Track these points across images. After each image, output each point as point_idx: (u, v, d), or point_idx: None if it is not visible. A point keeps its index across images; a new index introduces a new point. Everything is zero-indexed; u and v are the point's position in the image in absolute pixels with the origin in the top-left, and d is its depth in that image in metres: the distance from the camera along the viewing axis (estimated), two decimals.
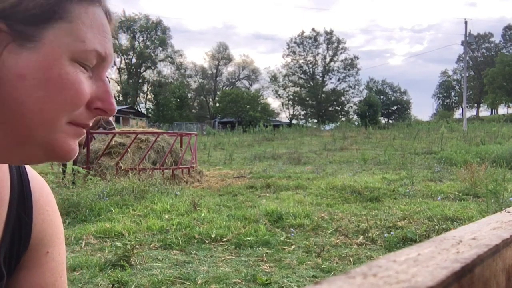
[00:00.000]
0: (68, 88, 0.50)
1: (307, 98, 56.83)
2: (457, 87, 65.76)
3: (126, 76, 57.53)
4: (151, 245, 3.57)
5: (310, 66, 57.80)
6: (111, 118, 8.39)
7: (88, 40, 0.52)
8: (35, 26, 0.49)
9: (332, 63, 57.84)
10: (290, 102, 58.13)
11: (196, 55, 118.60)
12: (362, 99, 50.63)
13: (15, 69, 0.48)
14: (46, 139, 0.51)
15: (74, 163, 7.21)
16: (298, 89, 58.03)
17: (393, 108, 58.39)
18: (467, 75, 35.07)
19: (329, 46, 57.63)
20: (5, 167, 0.62)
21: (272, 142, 18.84)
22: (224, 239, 3.69)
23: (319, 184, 6.44)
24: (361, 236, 3.76)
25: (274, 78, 58.37)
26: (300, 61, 57.84)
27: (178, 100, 53.02)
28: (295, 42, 58.07)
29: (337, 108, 58.03)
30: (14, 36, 0.48)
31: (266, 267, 3.06)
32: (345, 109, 58.03)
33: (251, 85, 59.42)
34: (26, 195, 0.64)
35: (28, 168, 0.67)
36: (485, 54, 64.55)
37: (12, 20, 0.47)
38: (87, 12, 0.52)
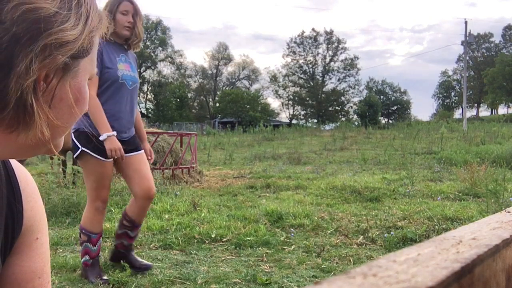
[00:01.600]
0: (85, 103, 0.63)
1: (307, 98, 56.84)
2: (457, 87, 65.73)
3: None
4: (151, 245, 3.57)
5: (310, 66, 57.83)
6: None
7: (95, 62, 0.64)
8: (81, 59, 0.59)
9: (332, 63, 57.86)
10: (290, 102, 58.14)
11: (196, 55, 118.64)
12: (362, 99, 50.64)
13: (60, 94, 0.58)
14: (55, 142, 0.62)
15: (74, 163, 7.20)
16: (298, 89, 58.03)
17: (393, 108, 58.40)
18: (467, 75, 35.06)
19: (329, 46, 57.65)
20: None
21: (272, 142, 18.84)
22: (224, 239, 3.69)
23: (319, 184, 6.44)
24: (361, 236, 3.76)
25: (274, 78, 58.37)
26: (300, 61, 57.88)
27: (178, 100, 53.02)
28: (295, 42, 58.09)
29: (337, 108, 58.01)
30: (66, 69, 0.57)
31: (266, 267, 3.06)
32: (345, 109, 58.04)
33: (251, 85, 59.42)
34: (14, 184, 0.68)
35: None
36: (485, 54, 64.53)
37: (71, 57, 0.57)
38: (97, 40, 0.63)
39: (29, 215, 0.70)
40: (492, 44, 64.87)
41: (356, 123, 40.60)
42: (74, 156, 2.77)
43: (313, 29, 60.20)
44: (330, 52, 57.77)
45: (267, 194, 6.02)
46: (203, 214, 4.49)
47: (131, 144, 2.87)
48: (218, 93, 57.85)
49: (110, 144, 2.60)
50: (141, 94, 58.45)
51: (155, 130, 9.80)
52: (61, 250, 3.49)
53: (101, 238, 2.86)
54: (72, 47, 0.56)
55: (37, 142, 0.58)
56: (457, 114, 61.17)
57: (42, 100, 0.55)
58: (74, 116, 0.62)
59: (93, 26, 0.59)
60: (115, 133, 2.64)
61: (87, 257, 2.79)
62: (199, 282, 2.76)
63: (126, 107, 2.79)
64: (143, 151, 2.93)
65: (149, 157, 3.05)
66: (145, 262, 2.98)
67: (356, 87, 57.98)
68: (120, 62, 2.72)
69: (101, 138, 2.61)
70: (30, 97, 0.53)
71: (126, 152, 2.79)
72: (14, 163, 0.71)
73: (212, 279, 2.79)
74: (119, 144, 2.63)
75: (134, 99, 2.87)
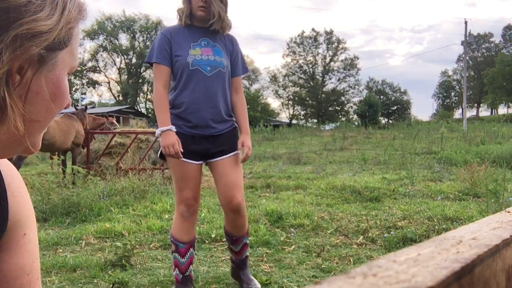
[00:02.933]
0: (65, 98, 0.61)
1: (307, 98, 56.83)
2: (457, 87, 65.73)
3: (126, 76, 57.50)
4: (151, 245, 3.57)
5: (310, 66, 57.78)
6: (115, 120, 8.39)
7: (76, 56, 0.62)
8: (58, 51, 0.57)
9: (332, 63, 57.81)
10: (290, 102, 58.12)
11: None
12: (362, 99, 50.64)
13: (36, 87, 0.56)
14: (32, 140, 0.59)
15: (74, 163, 7.20)
16: (298, 89, 58.00)
17: (393, 108, 58.35)
18: (467, 75, 35.06)
19: (329, 46, 57.60)
20: None
21: (272, 142, 18.83)
22: (224, 239, 3.69)
23: (319, 184, 6.44)
24: (361, 236, 3.76)
25: (274, 78, 58.34)
26: (300, 61, 57.83)
27: None
28: (295, 42, 58.04)
29: (337, 108, 57.99)
30: (41, 62, 0.56)
31: (266, 267, 3.06)
32: (345, 109, 58.00)
33: (251, 85, 59.34)
34: None
35: None
36: (485, 54, 64.52)
37: (46, 48, 0.55)
38: (78, 32, 0.61)
39: (15, 211, 0.68)
40: (492, 44, 64.86)
41: (356, 123, 40.59)
42: (158, 155, 2.54)
43: (313, 29, 60.18)
44: (330, 52, 57.75)
45: (267, 194, 6.02)
46: (203, 214, 4.49)
47: (221, 143, 2.47)
48: None
49: (163, 140, 2.31)
50: (141, 94, 58.47)
51: (155, 130, 9.79)
52: (61, 250, 3.49)
53: (191, 248, 2.50)
54: (46, 38, 0.54)
55: (12, 139, 0.56)
56: (457, 114, 61.25)
57: (15, 93, 0.54)
58: (51, 112, 0.59)
59: (71, 17, 0.57)
60: (171, 127, 2.33)
61: (176, 270, 2.49)
62: (199, 282, 2.75)
63: (206, 97, 2.41)
64: (234, 153, 2.50)
65: (244, 154, 2.53)
66: (256, 284, 2.64)
67: (356, 87, 57.96)
68: (195, 47, 2.42)
69: (156, 134, 2.37)
70: (2, 89, 0.52)
71: (213, 155, 2.46)
72: None
73: (212, 279, 2.79)
74: (173, 140, 2.30)
75: (217, 86, 2.45)
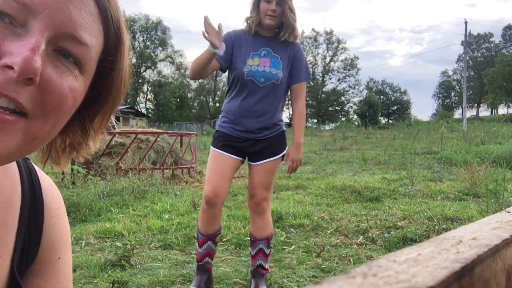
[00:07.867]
0: None
1: (307, 98, 56.81)
2: (457, 87, 65.80)
3: None
4: (151, 245, 3.57)
5: (310, 66, 57.79)
6: (113, 118, 8.37)
7: None
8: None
9: (332, 63, 57.90)
10: (290, 102, 58.15)
11: (196, 55, 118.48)
12: (362, 99, 50.68)
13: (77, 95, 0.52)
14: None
15: (73, 163, 7.20)
16: None
17: (393, 108, 58.39)
18: (467, 75, 35.06)
19: (329, 46, 57.71)
20: (15, 169, 0.60)
21: None
22: (224, 239, 3.69)
23: (319, 184, 6.44)
24: (361, 236, 3.76)
25: None
26: None
27: (178, 100, 53.07)
28: None
29: (337, 108, 58.08)
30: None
31: None
32: (345, 109, 58.11)
33: None
34: (38, 198, 0.62)
35: (37, 169, 0.65)
36: (485, 54, 64.56)
37: None
38: None
39: (50, 233, 0.63)
40: (492, 44, 64.93)
41: (356, 123, 40.62)
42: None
43: (313, 29, 60.27)
44: (330, 52, 57.84)
45: None
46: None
47: (263, 146, 2.50)
48: (218, 93, 57.87)
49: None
50: (141, 94, 58.45)
51: (155, 130, 9.80)
52: None
53: (209, 241, 2.54)
54: None
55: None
56: (457, 114, 61.32)
57: None
58: None
59: None
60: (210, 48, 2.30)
61: (196, 257, 2.65)
62: None
63: (255, 107, 2.45)
64: (272, 159, 2.51)
65: (283, 162, 2.58)
66: None
67: (356, 87, 58.10)
68: (254, 57, 2.44)
69: (217, 52, 2.28)
70: None
71: (253, 155, 2.51)
72: (41, 174, 0.65)
73: (212, 279, 2.79)
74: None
75: (269, 97, 2.48)
